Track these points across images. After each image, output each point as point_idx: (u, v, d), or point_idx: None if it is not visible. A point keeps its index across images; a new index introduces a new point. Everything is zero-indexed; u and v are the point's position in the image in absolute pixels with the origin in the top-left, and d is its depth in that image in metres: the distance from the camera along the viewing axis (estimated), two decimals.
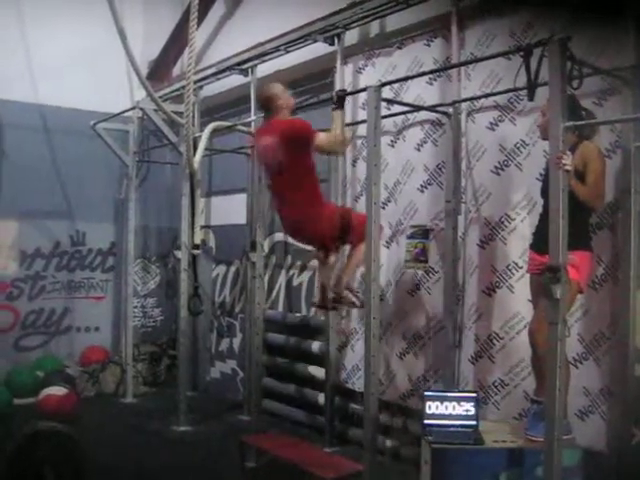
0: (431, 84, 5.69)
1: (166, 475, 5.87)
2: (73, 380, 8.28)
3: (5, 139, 8.74)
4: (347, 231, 5.05)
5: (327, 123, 6.11)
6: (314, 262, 5.98)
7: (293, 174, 4.99)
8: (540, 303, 4.29)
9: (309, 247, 5.88)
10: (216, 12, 8.54)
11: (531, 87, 4.02)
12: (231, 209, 8.38)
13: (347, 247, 5.37)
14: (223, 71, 7.62)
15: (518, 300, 4.97)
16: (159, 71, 9.47)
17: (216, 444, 6.73)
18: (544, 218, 4.34)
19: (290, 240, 7.34)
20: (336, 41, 6.34)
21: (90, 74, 8.71)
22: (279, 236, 7.61)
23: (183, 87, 5.42)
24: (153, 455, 6.40)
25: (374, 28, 6.39)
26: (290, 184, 5.02)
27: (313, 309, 6.72)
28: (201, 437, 7.05)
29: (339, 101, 5.16)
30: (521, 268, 4.95)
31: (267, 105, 5.18)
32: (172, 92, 8.38)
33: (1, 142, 8.73)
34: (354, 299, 5.36)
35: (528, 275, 4.67)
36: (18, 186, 8.64)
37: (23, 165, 8.64)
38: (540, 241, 4.38)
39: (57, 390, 7.51)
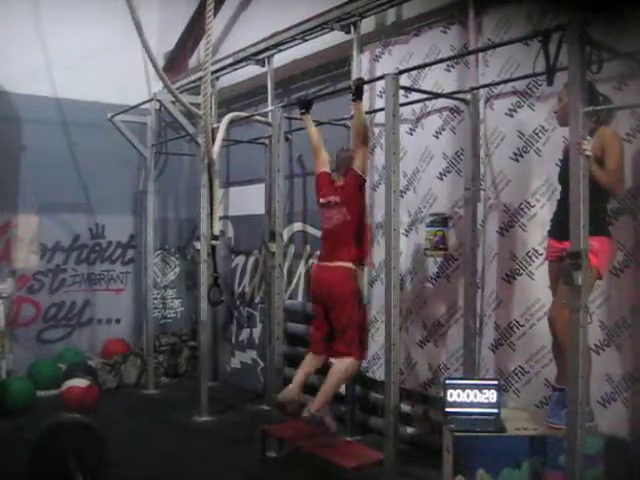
0: (449, 71, 5.66)
1: (188, 465, 5.90)
2: (95, 372, 8.32)
3: (24, 133, 8.79)
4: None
5: (343, 113, 6.13)
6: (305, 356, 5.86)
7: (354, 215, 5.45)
8: (559, 290, 4.27)
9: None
10: (232, 2, 8.53)
11: (550, 72, 3.99)
12: (249, 199, 8.38)
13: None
14: (240, 61, 7.61)
15: (538, 287, 4.94)
16: (175, 63, 9.50)
17: (237, 434, 6.75)
18: (562, 204, 4.33)
19: (309, 229, 7.36)
20: (352, 29, 6.31)
21: (107, 67, 8.73)
22: (298, 226, 7.61)
23: (200, 78, 5.42)
24: (174, 445, 6.43)
25: (390, 16, 6.36)
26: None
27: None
28: (222, 427, 7.09)
29: (357, 91, 5.21)
30: (541, 255, 4.91)
31: (344, 166, 5.54)
32: (189, 83, 8.38)
33: (20, 136, 8.77)
34: (329, 423, 5.53)
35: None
36: (37, 180, 8.70)
37: (42, 159, 8.69)
38: (558, 227, 4.36)
39: (79, 382, 7.58)
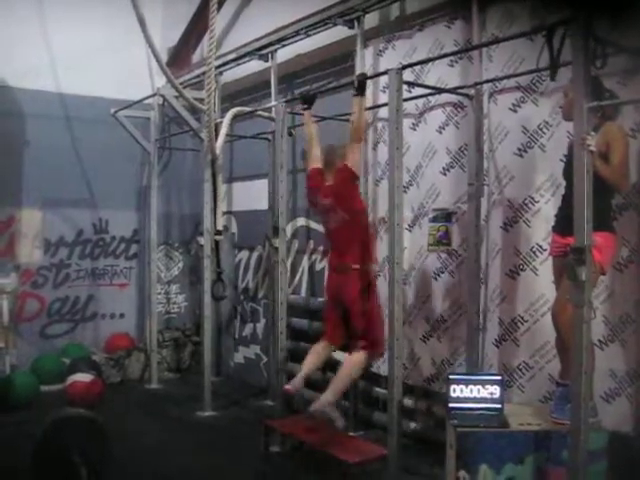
0: (452, 66, 5.64)
1: (191, 460, 5.90)
2: (99, 367, 8.33)
3: (27, 128, 8.79)
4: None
5: (346, 108, 6.11)
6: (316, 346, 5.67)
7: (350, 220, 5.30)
8: (563, 285, 4.26)
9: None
10: None
11: (554, 67, 3.98)
12: (253, 194, 8.38)
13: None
14: (243, 56, 7.61)
15: (542, 282, 4.93)
16: (179, 58, 9.49)
17: (240, 429, 6.75)
18: (566, 200, 4.32)
19: (312, 225, 7.34)
20: (356, 24, 6.29)
21: (110, 62, 8.72)
22: (301, 221, 7.60)
23: (203, 73, 5.43)
24: (178, 440, 6.45)
25: (394, 10, 6.34)
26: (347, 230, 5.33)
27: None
28: (225, 422, 7.09)
29: (360, 87, 5.20)
30: (545, 250, 4.91)
31: (332, 163, 5.43)
32: (192, 79, 8.38)
33: (23, 132, 8.77)
34: (336, 418, 5.34)
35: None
36: (41, 175, 8.69)
37: (46, 154, 8.69)
38: (562, 223, 4.36)
39: (83, 377, 7.59)
